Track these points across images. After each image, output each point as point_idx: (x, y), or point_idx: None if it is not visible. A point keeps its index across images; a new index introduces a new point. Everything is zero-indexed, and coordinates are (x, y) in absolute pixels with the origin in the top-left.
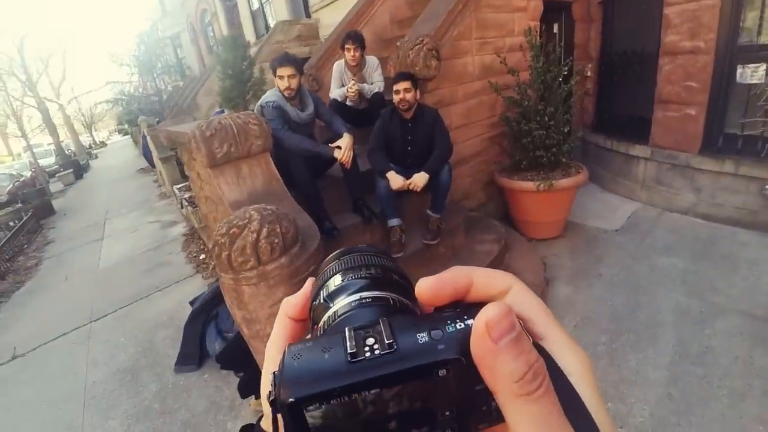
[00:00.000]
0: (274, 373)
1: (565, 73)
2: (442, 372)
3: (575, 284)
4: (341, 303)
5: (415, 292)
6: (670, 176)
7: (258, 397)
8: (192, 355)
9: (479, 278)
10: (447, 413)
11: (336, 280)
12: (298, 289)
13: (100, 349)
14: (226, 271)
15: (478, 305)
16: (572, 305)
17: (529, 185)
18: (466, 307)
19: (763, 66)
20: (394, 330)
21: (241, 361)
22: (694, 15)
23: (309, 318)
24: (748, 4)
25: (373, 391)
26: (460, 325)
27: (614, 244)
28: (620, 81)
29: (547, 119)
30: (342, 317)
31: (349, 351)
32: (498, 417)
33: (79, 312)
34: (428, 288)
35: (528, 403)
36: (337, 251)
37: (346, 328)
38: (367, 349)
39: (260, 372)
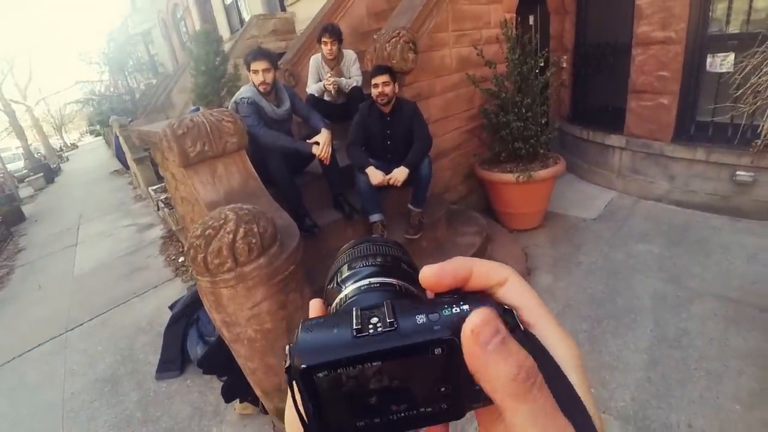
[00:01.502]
0: (289, 344)
1: (542, 65)
2: (438, 350)
3: (556, 273)
4: (352, 287)
5: (419, 277)
6: (644, 165)
7: (242, 400)
8: (173, 361)
9: (479, 268)
10: (442, 389)
11: (349, 267)
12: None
13: (78, 358)
14: (203, 273)
15: (475, 294)
16: (553, 293)
17: (509, 177)
18: (463, 294)
19: (732, 55)
20: (396, 311)
21: (223, 366)
22: (665, 5)
23: (324, 300)
24: None
25: (375, 364)
26: (456, 310)
27: (592, 233)
28: (595, 72)
29: (524, 111)
30: (351, 299)
31: (354, 327)
32: (489, 398)
33: (54, 321)
34: (431, 275)
35: (523, 402)
36: (352, 241)
37: (354, 308)
38: (371, 326)
39: (243, 376)
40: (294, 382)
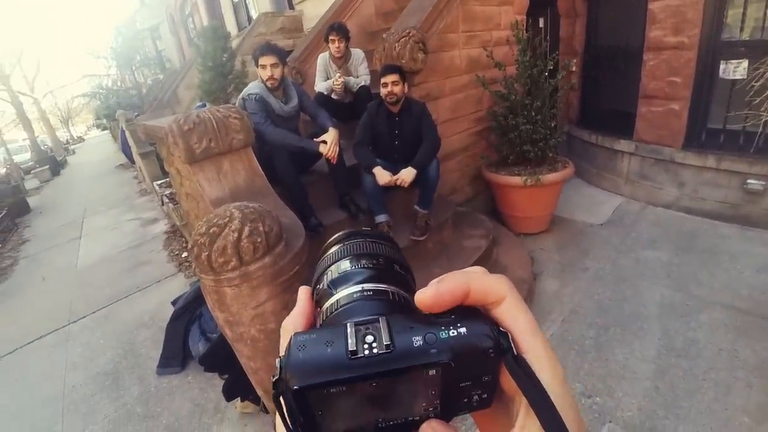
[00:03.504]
0: (279, 358)
1: (551, 67)
2: (432, 371)
3: (562, 278)
4: (344, 292)
5: (416, 302)
6: (653, 171)
7: (243, 399)
8: (175, 357)
9: (476, 286)
10: (434, 402)
11: (340, 267)
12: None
13: (79, 351)
14: (207, 272)
15: (472, 312)
16: (559, 299)
17: (516, 180)
18: (461, 313)
19: (745, 62)
20: (392, 330)
21: (225, 364)
22: (679, 10)
23: (312, 298)
24: (731, 0)
25: (367, 382)
26: (453, 333)
27: (600, 238)
28: (605, 76)
29: (533, 114)
30: (344, 307)
31: (349, 348)
32: (479, 405)
33: (57, 313)
34: (427, 299)
35: None
36: (342, 233)
37: (347, 323)
38: (366, 346)
39: (245, 374)
40: (282, 395)
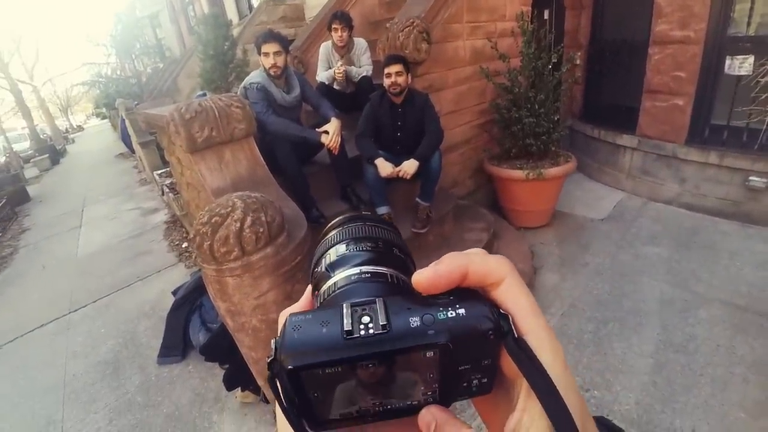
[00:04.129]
0: (275, 339)
1: (555, 60)
2: (430, 354)
3: (562, 272)
4: (341, 275)
5: (413, 282)
6: (655, 166)
7: (244, 389)
8: (175, 346)
9: (474, 268)
10: (433, 386)
11: (338, 250)
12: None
13: (80, 340)
14: (209, 262)
15: (471, 294)
16: (559, 293)
17: (519, 174)
18: (459, 294)
19: (752, 58)
20: (389, 311)
21: (226, 354)
22: (686, 4)
23: (311, 281)
24: None
25: (363, 364)
26: (451, 313)
27: (600, 233)
28: (609, 70)
29: (537, 107)
30: (341, 289)
31: (345, 328)
32: (479, 390)
33: (57, 302)
34: (425, 281)
35: None
36: (342, 217)
37: (344, 304)
38: (362, 327)
39: (245, 364)
40: (278, 377)
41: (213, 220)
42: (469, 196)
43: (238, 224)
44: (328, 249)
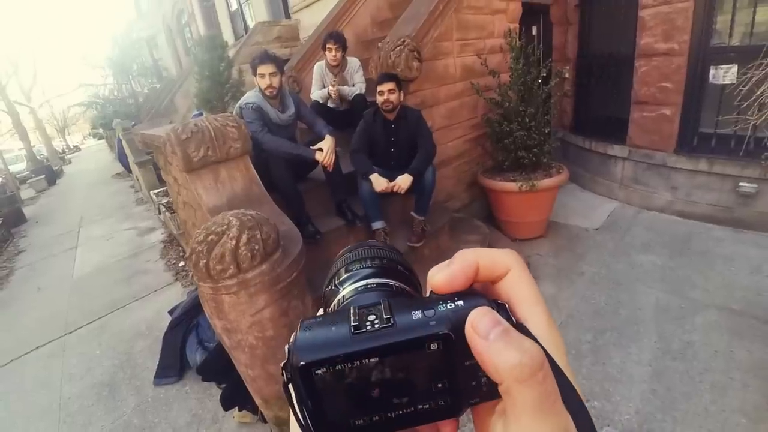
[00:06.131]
0: (288, 344)
1: (544, 74)
2: (434, 346)
3: (558, 283)
4: (349, 288)
5: (428, 283)
6: (647, 175)
7: (241, 408)
8: (172, 367)
9: (484, 262)
10: (440, 385)
11: (346, 270)
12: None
13: (76, 362)
14: (205, 279)
15: (469, 291)
16: (556, 304)
17: (512, 186)
18: (459, 292)
19: (735, 67)
20: (393, 308)
21: (223, 373)
22: (668, 17)
23: (323, 302)
24: (720, 7)
25: (373, 360)
26: (451, 306)
27: (595, 243)
28: (597, 83)
29: (527, 120)
30: (349, 299)
31: (352, 324)
32: (489, 394)
33: (53, 324)
34: (442, 279)
35: (529, 386)
36: (350, 245)
37: (351, 307)
38: (368, 323)
39: (242, 383)
40: (291, 380)
41: (209, 238)
42: (464, 209)
43: (234, 242)
44: (338, 271)
